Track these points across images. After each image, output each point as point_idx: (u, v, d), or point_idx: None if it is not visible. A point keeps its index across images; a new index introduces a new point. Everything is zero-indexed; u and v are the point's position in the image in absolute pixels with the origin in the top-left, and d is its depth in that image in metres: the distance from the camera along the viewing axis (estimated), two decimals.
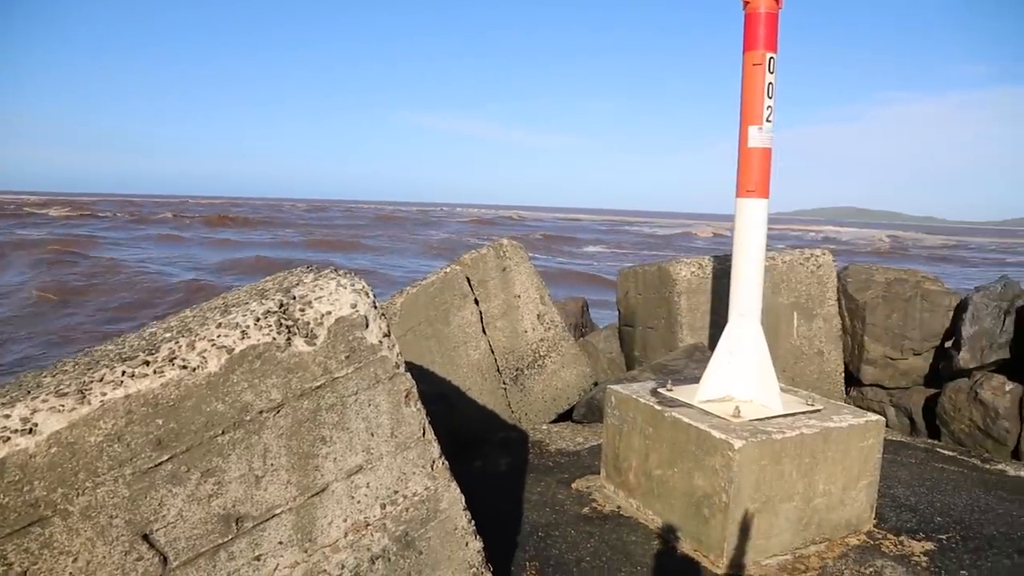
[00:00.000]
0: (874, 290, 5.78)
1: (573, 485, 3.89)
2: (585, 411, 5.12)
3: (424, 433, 2.09)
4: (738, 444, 2.91)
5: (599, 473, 3.89)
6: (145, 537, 1.81)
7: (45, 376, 2.13)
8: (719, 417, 3.21)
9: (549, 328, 5.24)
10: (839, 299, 5.92)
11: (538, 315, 5.18)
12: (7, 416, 1.69)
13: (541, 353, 5.17)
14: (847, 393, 6.00)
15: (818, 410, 3.38)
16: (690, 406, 3.38)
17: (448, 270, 4.79)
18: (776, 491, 3.03)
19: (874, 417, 3.35)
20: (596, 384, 5.45)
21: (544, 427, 5.04)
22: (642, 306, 6.18)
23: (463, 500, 2.25)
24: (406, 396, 2.04)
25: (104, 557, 1.77)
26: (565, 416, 5.31)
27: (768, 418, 3.23)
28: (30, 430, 1.68)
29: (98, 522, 1.75)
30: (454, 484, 2.21)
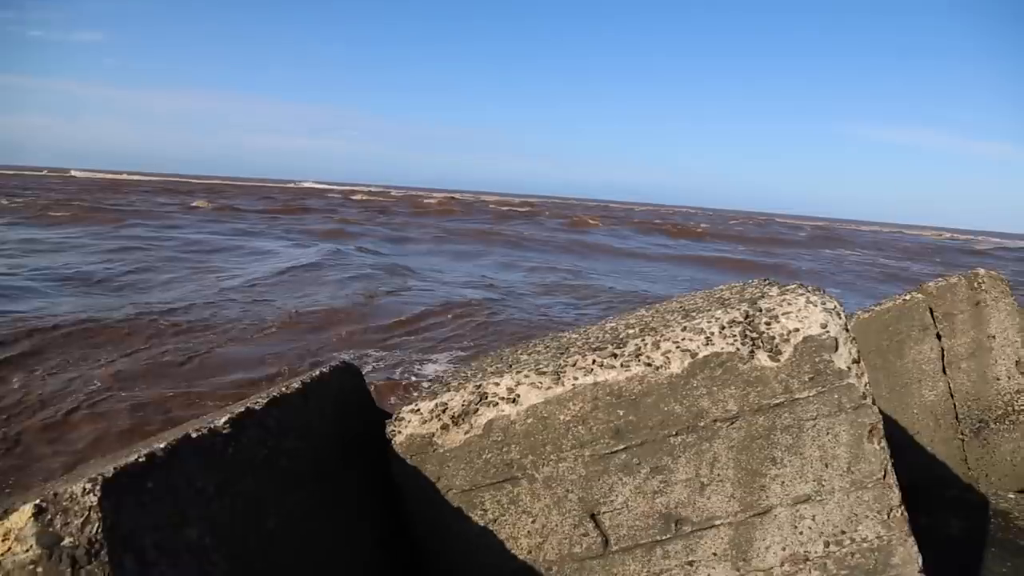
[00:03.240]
0: None
1: None
2: None
3: (885, 476, 1.87)
4: None
5: None
6: (592, 516, 1.92)
7: (521, 354, 2.41)
8: None
9: None
10: None
11: (1017, 361, 4.37)
12: (496, 384, 1.93)
13: (1016, 407, 4.35)
14: None
15: None
16: None
17: (908, 298, 4.29)
18: None
19: None
20: None
21: (1011, 496, 4.23)
22: None
23: (920, 561, 1.98)
24: (870, 431, 1.85)
25: (557, 525, 1.92)
26: None
27: None
28: (513, 400, 1.90)
29: (556, 493, 1.91)
30: (911, 540, 1.95)
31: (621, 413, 1.84)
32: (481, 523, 1.93)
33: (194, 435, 1.54)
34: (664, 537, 1.91)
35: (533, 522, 1.93)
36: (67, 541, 1.16)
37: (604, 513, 1.92)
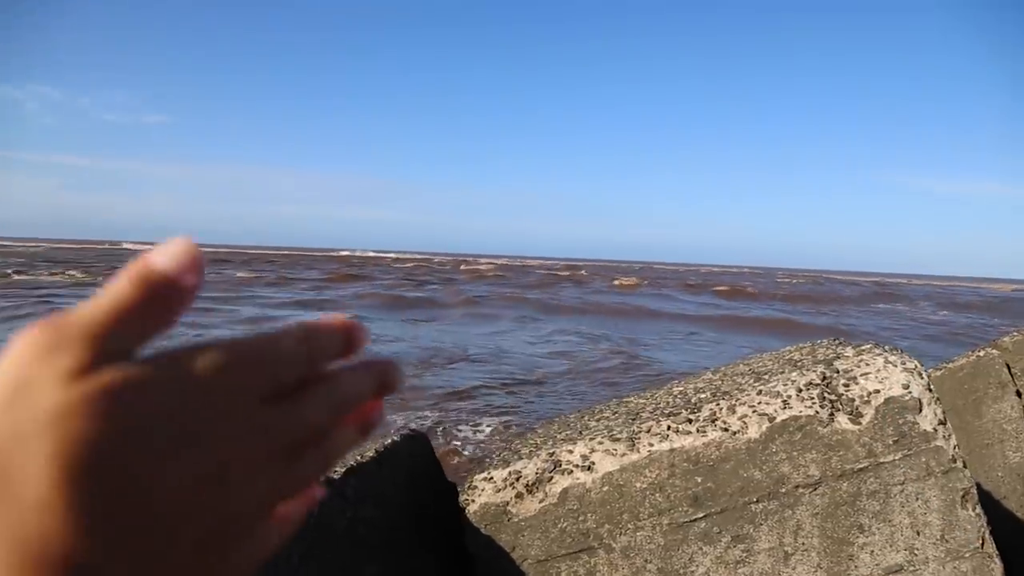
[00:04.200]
0: None
1: None
2: None
3: (983, 544, 1.79)
4: None
5: None
6: None
7: (588, 420, 2.39)
8: None
9: None
10: None
11: None
12: (570, 451, 1.92)
13: None
14: None
15: None
16: None
17: (982, 353, 4.15)
18: None
19: None
20: None
21: None
22: None
23: None
24: (963, 496, 1.77)
25: None
26: None
27: None
28: (588, 467, 1.88)
29: (635, 563, 1.86)
30: None
31: (699, 480, 1.81)
32: None
33: None
34: None
35: None
36: None
37: None
